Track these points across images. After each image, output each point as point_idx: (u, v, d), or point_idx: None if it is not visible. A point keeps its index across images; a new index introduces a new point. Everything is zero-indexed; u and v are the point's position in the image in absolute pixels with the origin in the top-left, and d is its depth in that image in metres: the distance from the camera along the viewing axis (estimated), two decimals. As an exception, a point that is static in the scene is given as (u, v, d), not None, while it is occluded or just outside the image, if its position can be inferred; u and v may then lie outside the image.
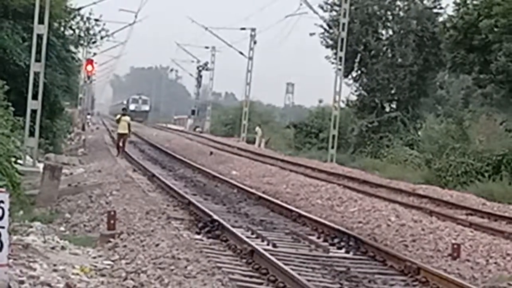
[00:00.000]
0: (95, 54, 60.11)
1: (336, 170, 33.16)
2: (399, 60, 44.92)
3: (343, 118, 43.74)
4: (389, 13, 46.02)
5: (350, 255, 13.33)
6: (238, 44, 79.36)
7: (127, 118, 33.27)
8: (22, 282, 9.12)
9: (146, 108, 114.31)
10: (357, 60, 45.17)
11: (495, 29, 30.57)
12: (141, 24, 59.73)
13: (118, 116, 33.69)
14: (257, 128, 58.51)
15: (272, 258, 11.44)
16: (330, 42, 45.26)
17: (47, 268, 10.21)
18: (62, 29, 34.16)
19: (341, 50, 40.16)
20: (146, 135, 57.92)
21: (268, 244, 13.56)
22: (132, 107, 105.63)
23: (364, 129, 45.15)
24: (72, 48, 36.78)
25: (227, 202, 19.65)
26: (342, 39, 40.09)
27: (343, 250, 13.68)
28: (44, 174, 18.53)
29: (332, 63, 44.33)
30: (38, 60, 24.96)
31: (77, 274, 10.25)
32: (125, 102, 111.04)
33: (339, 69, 41.14)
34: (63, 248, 12.06)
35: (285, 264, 11.18)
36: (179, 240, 12.87)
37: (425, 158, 34.58)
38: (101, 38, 44.82)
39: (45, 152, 28.53)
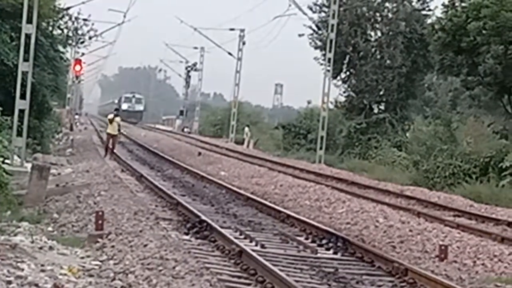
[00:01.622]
0: (83, 54, 60.17)
1: (324, 171, 33.21)
2: (388, 61, 45.03)
3: (331, 119, 43.81)
4: (377, 14, 46.10)
5: (338, 256, 13.35)
6: (227, 44, 79.35)
7: (117, 119, 32.98)
8: (9, 282, 9.10)
9: (141, 107, 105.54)
10: (345, 61, 45.34)
11: (483, 32, 30.65)
12: (129, 24, 59.58)
13: (111, 117, 32.87)
14: (246, 129, 58.57)
15: (261, 259, 11.44)
16: (319, 43, 45.37)
17: (34, 268, 10.20)
18: (50, 28, 34.05)
19: (329, 51, 40.24)
20: (135, 136, 57.84)
21: (256, 245, 13.57)
22: (124, 106, 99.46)
23: (352, 130, 45.24)
24: (60, 48, 36.63)
25: (215, 202, 19.65)
26: (331, 40, 40.16)
27: (331, 251, 13.71)
28: (32, 174, 18.47)
29: (321, 64, 44.42)
30: (26, 59, 24.89)
31: (65, 274, 10.24)
32: (116, 101, 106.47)
33: (328, 70, 41.14)
34: (51, 248, 12.04)
35: (274, 265, 11.19)
36: (168, 240, 12.86)
37: (413, 159, 34.69)
38: (90, 38, 44.95)
39: (33, 152, 28.43)
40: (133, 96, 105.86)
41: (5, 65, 27.37)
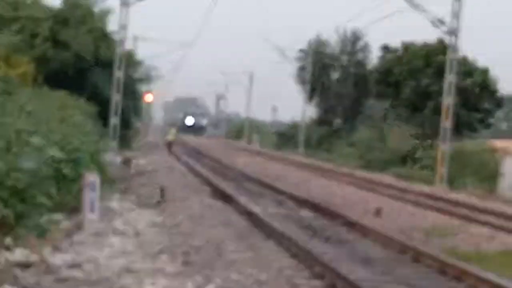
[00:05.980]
0: (153, 88, 59.74)
1: (302, 161, 33.10)
2: (343, 91, 45.24)
3: (308, 128, 43.84)
4: (336, 63, 46.39)
5: (311, 214, 13.33)
6: (242, 82, 78.83)
7: (173, 130, 32.96)
8: (107, 231, 9.16)
9: (204, 122, 73.24)
10: (317, 92, 45.52)
11: (403, 73, 30.76)
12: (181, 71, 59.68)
13: (167, 129, 33.35)
14: (255, 135, 58.42)
15: (263, 216, 11.46)
16: (300, 81, 45.59)
17: (123, 222, 10.24)
18: (132, 73, 34.08)
19: (307, 85, 40.51)
20: (185, 140, 57.69)
21: (260, 207, 13.56)
22: (189, 122, 70.70)
23: (321, 135, 45.41)
24: (138, 85, 36.61)
25: (234, 180, 19.59)
26: (308, 79, 40.44)
27: (307, 211, 13.69)
28: (121, 163, 18.51)
29: (301, 93, 44.61)
30: (117, 92, 25.02)
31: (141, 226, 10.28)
32: (181, 115, 78.16)
33: (306, 97, 41.44)
34: (133, 210, 12.09)
35: (271, 220, 11.20)
36: (205, 204, 12.89)
37: (359, 153, 34.60)
38: (156, 78, 44.71)
39: (121, 150, 28.44)
40: (196, 113, 76.26)
41: (104, 96, 27.44)
